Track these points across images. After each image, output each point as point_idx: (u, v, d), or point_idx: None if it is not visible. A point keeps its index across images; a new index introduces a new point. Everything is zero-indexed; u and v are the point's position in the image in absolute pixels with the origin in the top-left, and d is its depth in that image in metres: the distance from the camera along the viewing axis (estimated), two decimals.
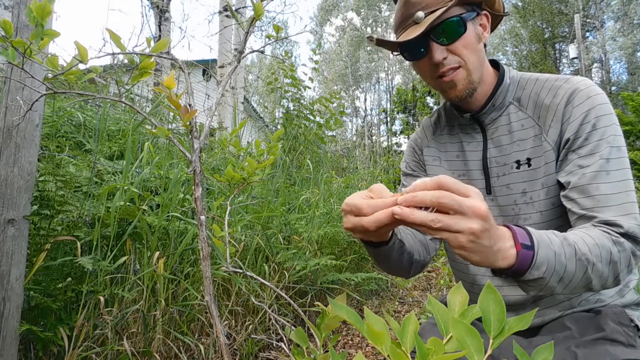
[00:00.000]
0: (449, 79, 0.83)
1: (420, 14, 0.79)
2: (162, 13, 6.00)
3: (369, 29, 33.59)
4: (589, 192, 0.73)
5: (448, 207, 0.50)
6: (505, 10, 0.91)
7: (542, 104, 0.83)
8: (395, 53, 0.91)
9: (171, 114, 3.18)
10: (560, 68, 27.29)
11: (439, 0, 0.79)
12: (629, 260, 0.68)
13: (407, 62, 0.91)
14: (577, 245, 0.64)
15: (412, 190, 0.52)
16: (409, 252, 0.84)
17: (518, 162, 0.84)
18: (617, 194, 0.71)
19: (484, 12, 0.86)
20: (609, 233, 0.68)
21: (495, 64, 0.92)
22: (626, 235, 0.68)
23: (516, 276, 0.60)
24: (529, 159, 0.83)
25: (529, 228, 0.61)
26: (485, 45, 0.89)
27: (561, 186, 0.79)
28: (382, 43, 0.89)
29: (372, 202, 0.56)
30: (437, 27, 0.80)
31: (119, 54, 0.71)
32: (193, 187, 0.79)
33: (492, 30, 0.93)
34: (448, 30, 0.80)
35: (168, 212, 1.62)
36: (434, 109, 1.08)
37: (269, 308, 1.88)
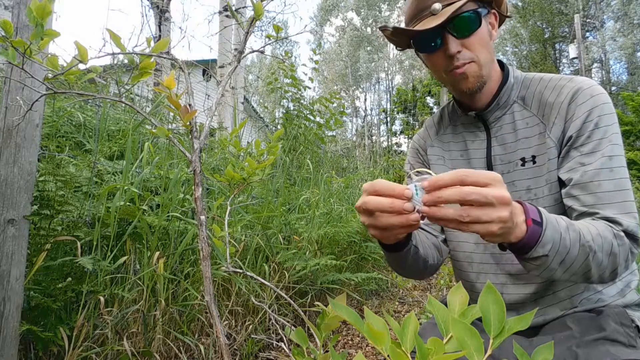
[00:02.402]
0: (462, 71, 0.83)
1: (438, 5, 0.79)
2: (162, 13, 6.00)
3: (369, 29, 33.58)
4: (590, 189, 0.74)
5: (475, 201, 0.52)
6: (508, 13, 0.93)
7: (546, 102, 0.84)
8: (399, 49, 0.91)
9: (171, 114, 3.17)
10: (560, 68, 27.28)
11: None
12: (627, 256, 0.70)
13: (417, 56, 0.92)
14: (582, 232, 0.66)
15: (432, 186, 0.53)
16: (424, 258, 0.85)
17: (523, 159, 0.85)
18: (618, 191, 0.73)
19: (493, 10, 0.88)
20: (610, 227, 0.70)
21: (500, 63, 0.93)
22: (625, 233, 0.71)
23: (522, 252, 0.62)
24: (534, 157, 0.84)
25: (539, 207, 0.64)
26: None
27: (561, 183, 0.80)
28: (397, 33, 0.87)
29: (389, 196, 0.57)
30: (454, 20, 0.80)
31: (119, 54, 0.71)
32: (193, 187, 0.79)
33: None
34: (464, 24, 0.81)
35: (168, 212, 1.62)
36: (437, 109, 1.08)
37: (269, 308, 1.88)
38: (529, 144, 0.85)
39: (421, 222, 0.57)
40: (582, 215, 0.75)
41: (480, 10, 0.82)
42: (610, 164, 0.74)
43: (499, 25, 0.94)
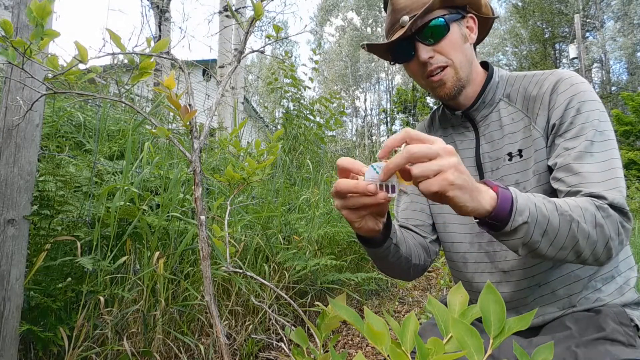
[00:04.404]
0: (438, 78, 0.87)
1: (406, 17, 0.84)
2: (162, 13, 6.00)
3: (369, 29, 33.60)
4: (574, 169, 0.75)
5: (421, 156, 0.54)
6: (495, 14, 0.95)
7: (529, 96, 0.87)
8: (393, 63, 0.96)
9: (171, 114, 3.17)
10: (561, 68, 27.28)
11: (422, 5, 0.83)
12: (618, 230, 0.69)
13: (400, 65, 0.96)
14: (557, 203, 0.66)
15: (384, 148, 0.59)
16: (406, 257, 0.86)
17: (510, 154, 0.87)
18: (602, 172, 0.74)
19: (470, 14, 0.90)
20: (592, 200, 0.70)
21: (485, 65, 0.96)
22: (612, 206, 0.70)
23: (502, 225, 0.62)
24: (520, 150, 0.86)
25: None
26: (475, 47, 0.93)
27: (551, 171, 0.81)
28: (372, 48, 0.94)
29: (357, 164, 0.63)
30: (423, 29, 0.84)
31: (119, 54, 0.71)
32: (193, 187, 0.79)
33: (486, 33, 0.97)
34: (432, 31, 0.85)
35: (168, 212, 1.62)
36: (430, 112, 1.11)
37: (269, 308, 1.88)
38: (514, 138, 0.87)
39: (391, 195, 0.59)
40: (567, 195, 0.75)
41: (449, 16, 0.85)
42: (593, 147, 0.76)
43: (489, 27, 0.97)
